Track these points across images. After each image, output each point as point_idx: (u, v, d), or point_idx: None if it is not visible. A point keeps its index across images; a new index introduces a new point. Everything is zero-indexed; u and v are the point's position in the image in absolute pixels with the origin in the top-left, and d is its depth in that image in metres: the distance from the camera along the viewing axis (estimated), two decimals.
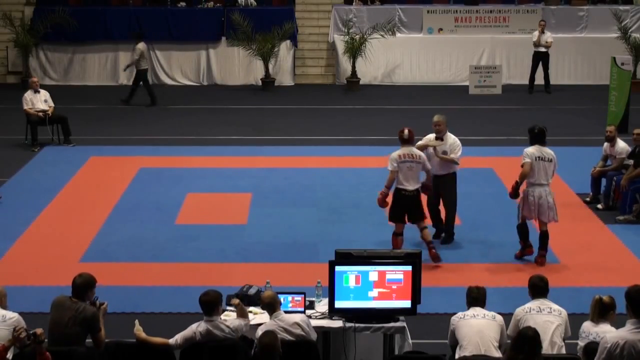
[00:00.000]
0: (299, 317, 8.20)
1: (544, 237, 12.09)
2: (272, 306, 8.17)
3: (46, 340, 7.73)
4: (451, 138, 12.57)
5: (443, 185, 12.58)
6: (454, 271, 11.84)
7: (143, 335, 8.05)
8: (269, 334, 7.37)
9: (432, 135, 12.60)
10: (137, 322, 8.17)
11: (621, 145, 14.35)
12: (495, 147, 18.08)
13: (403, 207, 11.90)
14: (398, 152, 11.91)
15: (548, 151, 12.08)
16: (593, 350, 7.35)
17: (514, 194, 12.12)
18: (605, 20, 25.07)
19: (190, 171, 16.43)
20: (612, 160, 14.49)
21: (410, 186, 11.84)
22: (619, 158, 14.29)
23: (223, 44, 25.29)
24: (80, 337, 8.05)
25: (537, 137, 12.09)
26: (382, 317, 8.54)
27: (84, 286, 8.15)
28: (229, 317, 8.42)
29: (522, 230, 12.22)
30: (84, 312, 8.03)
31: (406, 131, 11.95)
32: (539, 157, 11.95)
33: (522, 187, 12.11)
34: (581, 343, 7.86)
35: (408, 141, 11.92)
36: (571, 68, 25.47)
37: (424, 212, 12.12)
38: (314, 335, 8.21)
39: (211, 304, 7.97)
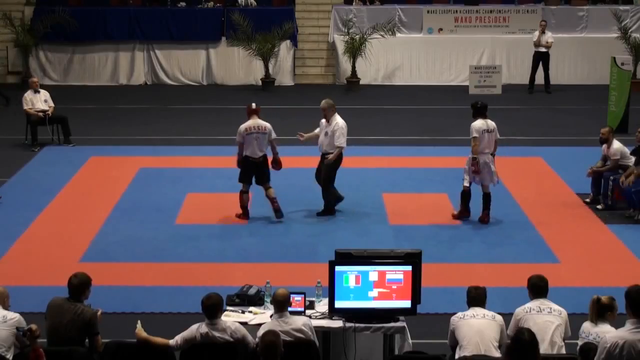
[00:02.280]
0: (302, 321, 8.18)
1: (487, 198, 13.51)
2: (282, 305, 8.15)
3: (43, 340, 7.73)
4: (333, 122, 13.59)
5: (325, 163, 13.74)
6: (454, 271, 11.84)
7: (144, 334, 8.04)
8: (272, 333, 7.36)
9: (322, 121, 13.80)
10: (139, 322, 8.16)
11: (615, 146, 14.34)
12: None
13: (251, 171, 13.46)
14: (245, 125, 13.33)
15: (490, 122, 13.39)
16: (589, 350, 7.32)
17: (479, 169, 13.23)
18: (605, 20, 25.08)
19: (190, 171, 16.43)
20: (609, 161, 14.49)
21: (257, 154, 13.33)
22: (613, 159, 14.28)
23: (223, 44, 25.31)
24: (80, 339, 8.06)
25: (480, 111, 13.38)
26: (382, 317, 8.54)
27: (81, 286, 8.14)
28: (229, 318, 8.42)
29: (466, 196, 13.55)
30: (82, 314, 8.03)
31: (253, 105, 13.51)
32: (484, 129, 13.24)
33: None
34: (581, 343, 7.86)
35: (255, 112, 13.43)
36: (571, 68, 25.48)
37: (269, 175, 13.59)
38: (315, 340, 8.20)
39: (213, 307, 7.94)
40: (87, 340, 8.06)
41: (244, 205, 13.70)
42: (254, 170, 13.50)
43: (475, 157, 13.20)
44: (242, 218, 13.75)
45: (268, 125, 13.40)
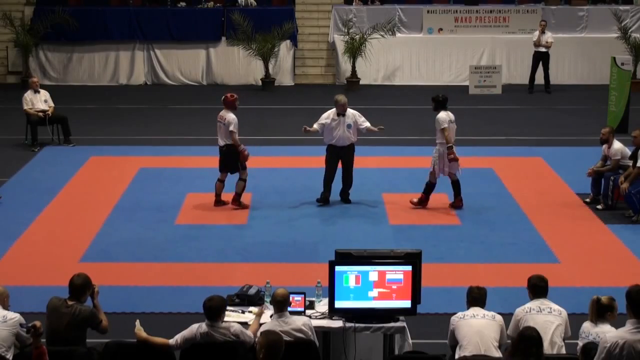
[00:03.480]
0: (302, 321, 8.18)
1: (457, 185, 14.15)
2: (282, 305, 8.15)
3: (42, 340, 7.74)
4: (351, 112, 14.27)
5: (347, 153, 14.30)
6: (454, 271, 11.84)
7: (144, 334, 8.04)
8: (275, 332, 7.34)
9: (331, 112, 14.20)
10: (137, 322, 8.17)
11: (616, 147, 14.34)
12: (495, 147, 18.09)
13: (220, 158, 14.18)
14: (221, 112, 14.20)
15: (451, 114, 14.02)
16: (590, 349, 7.33)
17: (456, 156, 13.83)
18: (605, 20, 25.07)
19: (190, 171, 16.43)
20: (610, 161, 14.48)
21: (220, 142, 14.08)
22: (614, 159, 14.27)
23: (223, 44, 25.30)
24: (80, 338, 8.06)
25: (443, 103, 13.98)
26: (382, 317, 8.54)
27: (83, 287, 8.16)
28: (229, 318, 8.41)
29: (432, 188, 14.19)
30: (81, 314, 8.05)
31: (224, 96, 14.22)
32: (450, 120, 13.86)
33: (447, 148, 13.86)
34: (581, 343, 7.86)
35: (224, 102, 14.13)
36: (571, 68, 25.48)
37: (237, 166, 14.09)
38: (315, 340, 8.20)
39: (215, 309, 7.91)
40: (88, 340, 8.08)
41: (216, 193, 14.34)
42: (221, 158, 14.16)
43: (451, 145, 13.75)
44: (217, 204, 14.31)
45: (230, 117, 13.96)
